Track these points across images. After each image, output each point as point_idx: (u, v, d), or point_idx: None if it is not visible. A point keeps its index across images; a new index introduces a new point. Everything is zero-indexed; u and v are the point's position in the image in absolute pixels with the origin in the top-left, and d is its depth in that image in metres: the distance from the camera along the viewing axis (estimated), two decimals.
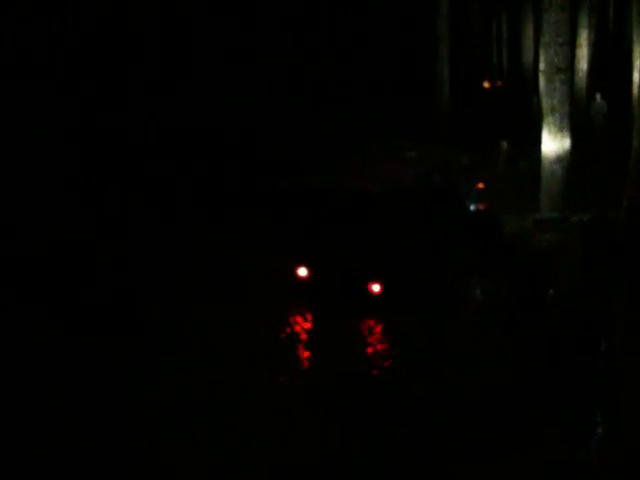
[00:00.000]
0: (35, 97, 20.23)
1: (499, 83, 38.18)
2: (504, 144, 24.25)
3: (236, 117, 24.48)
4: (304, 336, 11.65)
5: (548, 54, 17.27)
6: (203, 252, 15.33)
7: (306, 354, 11.28)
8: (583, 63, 28.54)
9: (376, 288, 11.68)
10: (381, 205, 11.82)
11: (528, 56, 35.45)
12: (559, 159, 17.28)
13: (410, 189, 12.18)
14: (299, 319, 12.04)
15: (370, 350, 11.12)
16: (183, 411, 9.24)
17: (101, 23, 22.44)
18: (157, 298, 13.05)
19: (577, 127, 27.36)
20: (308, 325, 11.94)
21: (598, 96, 26.53)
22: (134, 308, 12.61)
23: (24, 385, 9.73)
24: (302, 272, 12.11)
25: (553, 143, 17.37)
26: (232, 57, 26.31)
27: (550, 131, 17.41)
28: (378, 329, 11.72)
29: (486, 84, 37.96)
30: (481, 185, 14.40)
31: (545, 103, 17.65)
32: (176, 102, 23.14)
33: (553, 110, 17.30)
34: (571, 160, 17.51)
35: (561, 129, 17.30)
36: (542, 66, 17.72)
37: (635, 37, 21.90)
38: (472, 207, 13.71)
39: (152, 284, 13.71)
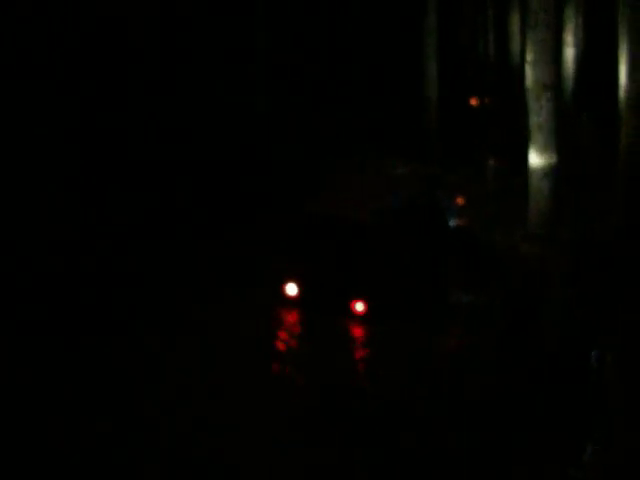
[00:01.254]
0: (34, 97, 20.18)
1: (487, 100, 38.32)
2: (492, 161, 24.30)
3: (235, 117, 24.52)
4: (293, 349, 12.05)
5: (534, 72, 17.37)
6: (198, 259, 15.66)
7: (294, 366, 11.52)
8: (570, 80, 28.67)
9: (360, 307, 12.29)
10: (367, 232, 12.67)
11: (515, 74, 35.59)
12: (546, 175, 17.32)
13: (395, 214, 13.08)
14: (287, 334, 12.48)
15: (353, 362, 11.59)
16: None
17: (100, 23, 22.39)
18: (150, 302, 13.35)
19: (564, 144, 27.55)
20: (295, 341, 12.34)
21: (585, 114, 26.65)
22: (122, 313, 12.75)
23: (17, 385, 9.64)
24: (291, 290, 12.72)
25: (540, 159, 17.42)
26: (231, 57, 26.27)
27: (537, 148, 17.47)
28: (361, 343, 12.19)
29: (474, 101, 38.09)
30: (460, 200, 15.10)
31: (532, 120, 17.71)
32: (175, 101, 23.10)
33: (540, 127, 17.37)
34: (558, 176, 17.53)
35: (548, 146, 17.36)
36: (528, 84, 17.79)
37: (621, 39, 21.91)
38: (452, 222, 14.31)
39: (146, 287, 13.96)
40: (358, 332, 12.49)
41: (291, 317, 12.96)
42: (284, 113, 25.94)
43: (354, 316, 12.39)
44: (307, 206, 13.76)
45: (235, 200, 19.37)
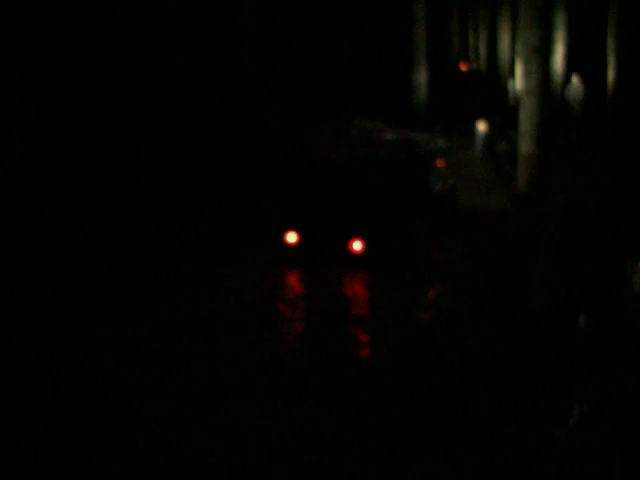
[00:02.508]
0: (30, 101, 20.14)
1: (476, 64, 38.20)
2: (482, 126, 24.23)
3: (228, 107, 24.57)
4: (295, 293, 12.89)
5: (525, 36, 17.25)
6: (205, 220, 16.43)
7: (297, 312, 12.05)
8: (560, 45, 28.56)
9: (358, 246, 13.23)
10: (359, 176, 13.74)
11: (505, 38, 35.44)
12: (535, 139, 17.25)
13: (381, 164, 14.23)
14: (290, 279, 13.40)
15: (352, 301, 12.33)
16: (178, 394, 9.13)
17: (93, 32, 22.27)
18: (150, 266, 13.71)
19: (554, 109, 27.49)
20: (298, 284, 13.32)
21: (575, 78, 26.54)
22: (127, 287, 12.81)
23: (7, 375, 9.58)
24: (291, 238, 13.51)
25: (530, 124, 17.33)
26: (219, 54, 26.15)
27: (527, 113, 17.38)
28: (360, 283, 13.09)
29: (463, 66, 37.98)
30: (439, 163, 16.27)
31: (522, 85, 17.61)
32: (168, 96, 23.06)
33: (530, 92, 17.26)
34: (547, 141, 17.49)
35: (538, 110, 17.26)
36: (519, 48, 17.69)
37: (610, 24, 21.96)
38: (432, 181, 15.48)
39: (146, 253, 14.35)
40: (352, 286, 13.06)
41: (291, 273, 13.59)
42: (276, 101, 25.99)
43: (352, 255, 13.31)
44: (298, 160, 14.71)
45: (233, 166, 20.12)
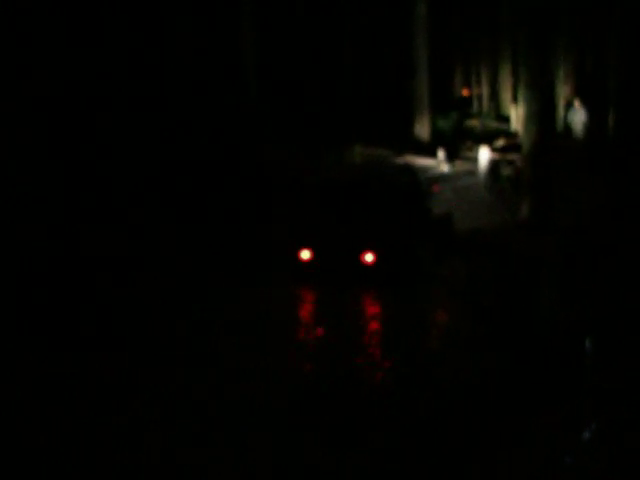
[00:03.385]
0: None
1: (478, 90, 38.33)
2: (485, 151, 24.31)
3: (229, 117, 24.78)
4: (307, 312, 13.22)
5: (526, 63, 17.41)
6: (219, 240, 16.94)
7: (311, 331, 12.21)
8: (562, 69, 28.71)
9: (369, 257, 13.92)
10: (366, 194, 14.74)
11: (507, 64, 35.58)
12: (539, 164, 17.31)
13: (385, 184, 15.27)
14: (304, 297, 13.77)
15: (362, 321, 12.45)
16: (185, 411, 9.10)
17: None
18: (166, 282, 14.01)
19: (557, 133, 27.57)
20: (311, 302, 13.72)
21: (577, 103, 26.61)
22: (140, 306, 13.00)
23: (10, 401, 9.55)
24: (305, 255, 14.15)
25: (532, 148, 17.39)
26: (218, 74, 26.28)
27: (529, 138, 17.46)
28: (370, 301, 13.53)
29: (465, 92, 38.13)
30: (436, 189, 17.09)
31: (524, 110, 17.75)
32: (167, 111, 23.18)
33: (531, 117, 17.36)
34: (551, 165, 17.55)
35: (540, 135, 17.33)
36: (521, 73, 17.88)
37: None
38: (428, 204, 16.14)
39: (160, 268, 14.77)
40: (363, 305, 13.36)
41: (305, 291, 13.95)
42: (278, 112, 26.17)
43: (364, 267, 13.95)
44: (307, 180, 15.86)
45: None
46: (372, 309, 13.38)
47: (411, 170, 16.31)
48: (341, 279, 13.98)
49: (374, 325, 12.43)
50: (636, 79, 20.87)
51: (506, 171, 23.06)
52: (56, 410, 9.16)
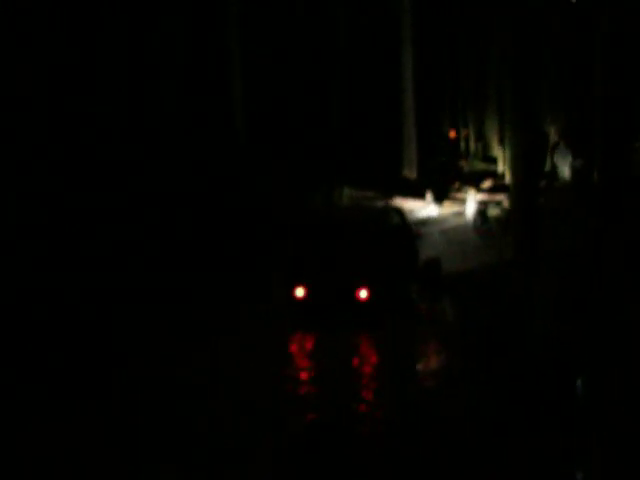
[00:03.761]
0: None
1: (465, 133, 38.60)
2: (472, 193, 24.50)
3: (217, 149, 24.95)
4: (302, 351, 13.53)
5: (513, 108, 17.62)
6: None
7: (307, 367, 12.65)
8: (547, 110, 29.04)
9: (364, 294, 14.20)
10: (361, 233, 14.99)
11: (493, 106, 35.88)
12: (525, 203, 17.46)
13: (378, 224, 15.61)
14: (298, 335, 14.05)
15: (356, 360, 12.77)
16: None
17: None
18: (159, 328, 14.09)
19: (544, 172, 27.79)
20: (305, 340, 14.00)
21: (562, 142, 26.90)
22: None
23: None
24: (300, 292, 14.40)
25: (519, 189, 17.55)
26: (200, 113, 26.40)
27: (516, 178, 17.63)
28: (364, 341, 13.78)
29: (452, 133, 38.38)
30: (419, 232, 17.41)
31: (511, 151, 17.93)
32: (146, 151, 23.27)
33: (518, 158, 17.52)
34: (538, 204, 17.73)
35: (527, 175, 17.50)
36: (507, 116, 18.12)
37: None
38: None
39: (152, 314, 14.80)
40: (357, 344, 13.60)
41: (299, 330, 14.26)
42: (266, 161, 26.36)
43: (358, 303, 14.19)
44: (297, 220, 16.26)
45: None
46: (365, 349, 13.52)
47: (401, 212, 16.50)
48: (335, 315, 14.21)
49: (367, 369, 12.45)
50: (619, 121, 21.14)
51: (494, 212, 23.24)
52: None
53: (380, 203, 18.46)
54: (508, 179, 18.47)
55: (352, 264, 14.49)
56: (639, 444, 8.73)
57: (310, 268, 14.67)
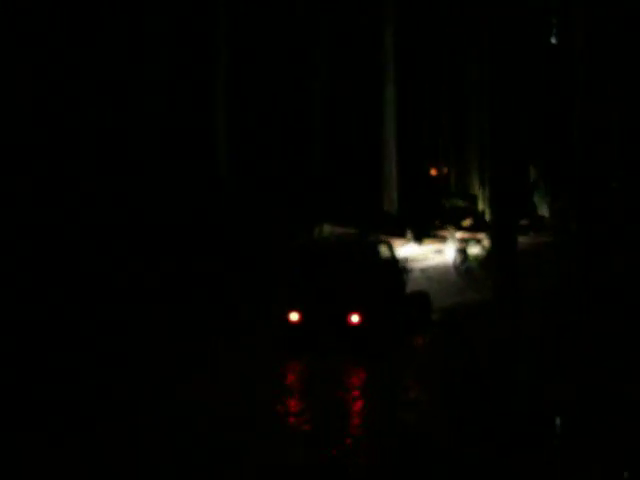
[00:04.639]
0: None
1: (445, 170, 38.87)
2: (452, 232, 24.65)
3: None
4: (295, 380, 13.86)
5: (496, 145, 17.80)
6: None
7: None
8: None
9: (355, 318, 14.59)
10: (351, 260, 15.35)
11: (474, 145, 36.17)
12: (505, 242, 17.56)
13: (367, 252, 15.89)
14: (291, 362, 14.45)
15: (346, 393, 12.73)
16: None
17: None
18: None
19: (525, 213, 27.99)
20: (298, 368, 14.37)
21: (541, 182, 27.16)
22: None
23: None
24: (294, 317, 14.86)
25: (498, 227, 17.67)
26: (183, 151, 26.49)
27: (496, 217, 17.76)
28: (355, 371, 13.99)
29: (433, 171, 38.63)
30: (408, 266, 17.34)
31: (491, 190, 18.06)
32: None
33: (497, 198, 17.65)
34: (517, 243, 17.82)
35: (506, 214, 17.63)
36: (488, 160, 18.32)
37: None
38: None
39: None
40: (348, 375, 13.78)
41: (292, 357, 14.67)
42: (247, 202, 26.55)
43: (350, 327, 14.58)
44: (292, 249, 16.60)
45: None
46: (355, 380, 13.73)
47: (390, 245, 16.78)
48: (328, 340, 14.60)
49: (356, 406, 12.46)
50: (595, 162, 21.41)
51: (474, 250, 23.35)
52: None
53: (371, 237, 18.57)
54: (488, 217, 18.54)
55: (344, 291, 14.90)
56: None
57: (304, 294, 15.11)
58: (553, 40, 29.96)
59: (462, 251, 22.94)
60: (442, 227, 28.39)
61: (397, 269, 16.21)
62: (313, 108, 32.37)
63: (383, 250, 16.14)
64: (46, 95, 21.84)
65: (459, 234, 24.63)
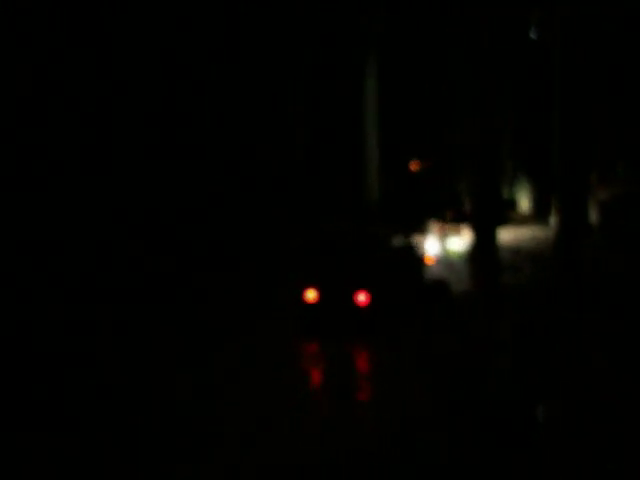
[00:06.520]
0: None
1: (427, 163, 38.98)
2: (436, 226, 24.77)
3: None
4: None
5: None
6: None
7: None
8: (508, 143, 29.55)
9: (362, 297, 15.38)
10: (366, 245, 16.32)
11: (457, 139, 36.29)
12: (488, 234, 17.78)
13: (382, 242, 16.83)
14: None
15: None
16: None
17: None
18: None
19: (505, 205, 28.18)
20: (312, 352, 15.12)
21: (522, 178, 27.41)
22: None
23: None
24: (311, 295, 15.68)
25: (481, 219, 17.90)
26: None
27: (478, 210, 17.97)
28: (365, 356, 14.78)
29: (413, 166, 38.76)
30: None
31: (472, 185, 18.26)
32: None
33: (479, 193, 17.87)
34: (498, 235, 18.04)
35: (488, 206, 17.84)
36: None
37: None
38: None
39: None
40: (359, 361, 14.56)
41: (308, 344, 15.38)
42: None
43: (358, 307, 15.34)
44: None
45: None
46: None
47: (409, 235, 17.83)
48: (339, 320, 15.50)
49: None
50: (578, 156, 21.63)
51: (454, 244, 23.54)
52: None
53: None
54: (470, 210, 18.77)
55: (355, 272, 15.78)
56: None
57: (320, 275, 15.95)
58: (532, 35, 30.14)
59: (443, 244, 23.14)
60: (424, 220, 28.54)
61: (412, 257, 17.05)
62: (294, 106, 32.46)
63: (396, 240, 16.99)
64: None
65: (440, 227, 24.78)
